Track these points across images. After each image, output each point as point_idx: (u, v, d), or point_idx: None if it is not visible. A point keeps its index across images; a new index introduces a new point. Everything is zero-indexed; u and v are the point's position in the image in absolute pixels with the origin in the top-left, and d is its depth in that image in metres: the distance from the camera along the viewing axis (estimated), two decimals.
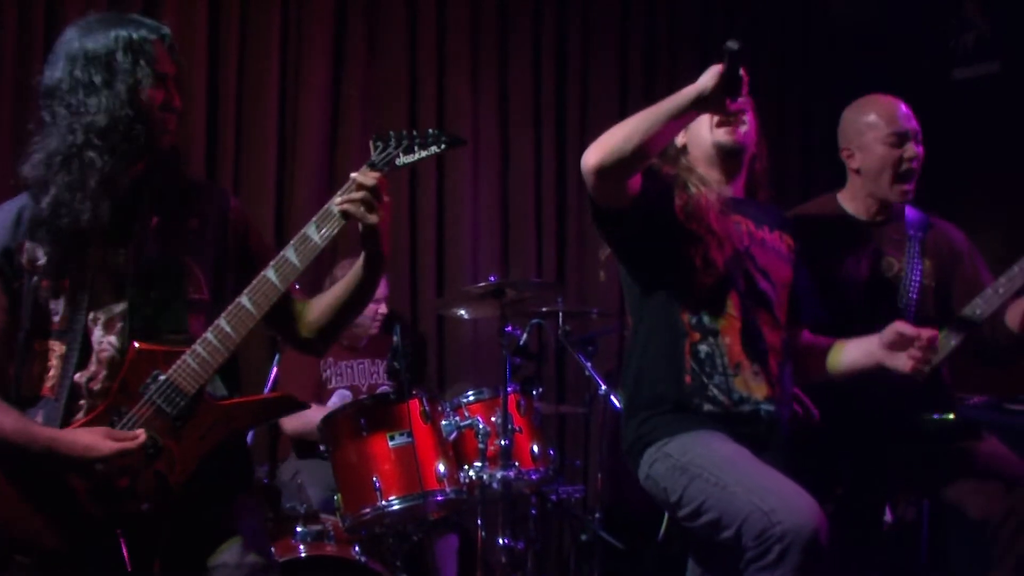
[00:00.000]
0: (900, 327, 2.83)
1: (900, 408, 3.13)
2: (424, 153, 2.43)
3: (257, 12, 4.88)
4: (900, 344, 2.83)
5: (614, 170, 2.58)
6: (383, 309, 4.56)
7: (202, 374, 2.29)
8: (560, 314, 4.40)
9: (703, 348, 2.73)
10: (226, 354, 2.32)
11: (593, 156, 2.58)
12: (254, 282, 2.34)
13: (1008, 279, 3.01)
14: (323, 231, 2.36)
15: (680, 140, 2.96)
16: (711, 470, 2.57)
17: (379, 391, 4.48)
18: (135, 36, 2.32)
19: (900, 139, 3.16)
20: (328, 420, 3.75)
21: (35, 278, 2.31)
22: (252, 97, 4.86)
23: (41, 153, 2.31)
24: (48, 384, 2.32)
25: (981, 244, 3.40)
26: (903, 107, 3.21)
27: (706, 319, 2.75)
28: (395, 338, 3.68)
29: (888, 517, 3.52)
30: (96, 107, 2.28)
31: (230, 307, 2.32)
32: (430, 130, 2.45)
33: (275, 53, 4.88)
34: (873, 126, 3.19)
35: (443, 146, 2.43)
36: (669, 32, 5.75)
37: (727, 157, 2.89)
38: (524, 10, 5.46)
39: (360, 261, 2.45)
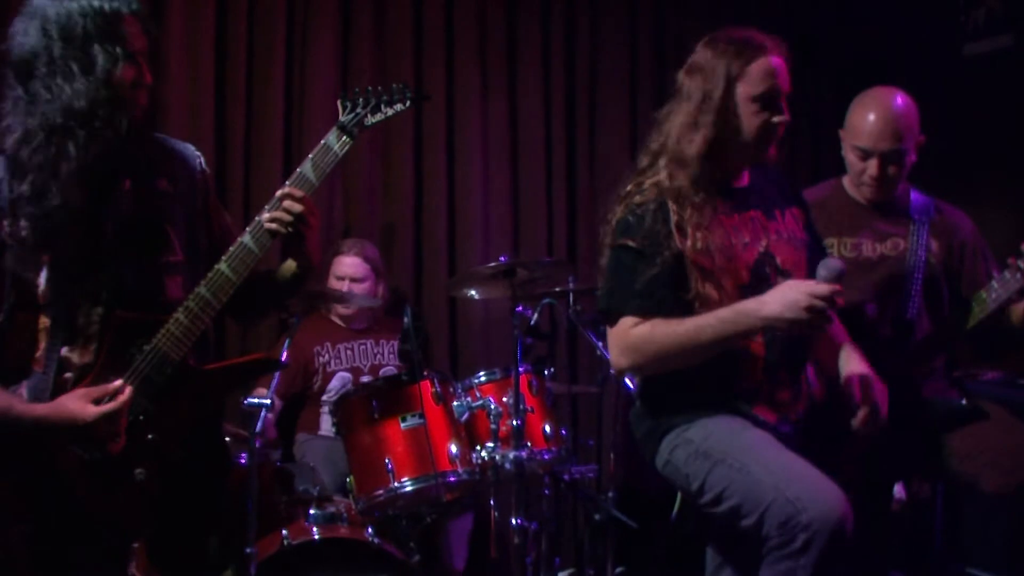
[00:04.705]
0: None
1: (908, 392, 3.13)
2: (391, 111, 2.48)
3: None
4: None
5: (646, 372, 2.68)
6: (346, 287, 4.48)
7: (185, 342, 2.31)
8: (571, 293, 4.37)
9: (721, 368, 2.63)
10: (207, 320, 2.35)
11: (625, 362, 2.62)
12: (232, 248, 2.37)
13: None
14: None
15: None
16: (735, 455, 2.52)
17: (383, 371, 4.48)
18: (107, 8, 2.29)
19: (864, 155, 3.20)
20: (341, 403, 3.77)
21: (16, 251, 2.30)
22: (260, 79, 4.84)
23: (19, 130, 2.29)
24: (36, 357, 2.31)
25: (994, 223, 3.39)
26: (885, 122, 3.16)
27: None
28: (405, 320, 3.68)
29: (902, 495, 3.52)
30: (75, 93, 2.26)
31: (209, 274, 2.35)
32: (395, 85, 2.50)
33: (280, 39, 4.86)
34: (850, 131, 3.25)
35: (408, 103, 2.48)
36: (678, 14, 5.70)
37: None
38: None
39: (289, 265, 2.51)
